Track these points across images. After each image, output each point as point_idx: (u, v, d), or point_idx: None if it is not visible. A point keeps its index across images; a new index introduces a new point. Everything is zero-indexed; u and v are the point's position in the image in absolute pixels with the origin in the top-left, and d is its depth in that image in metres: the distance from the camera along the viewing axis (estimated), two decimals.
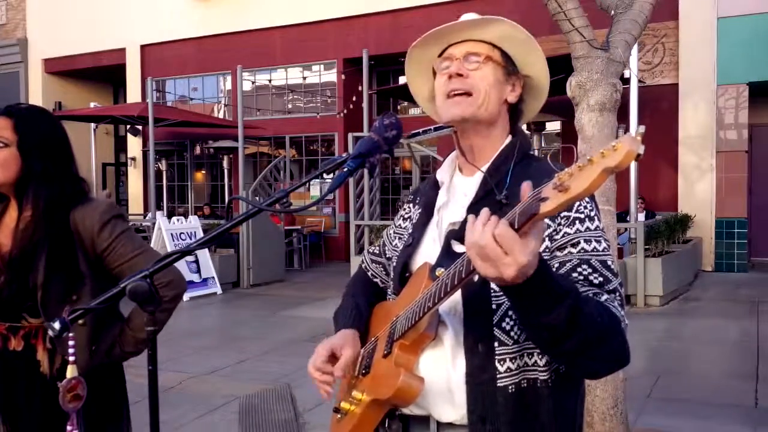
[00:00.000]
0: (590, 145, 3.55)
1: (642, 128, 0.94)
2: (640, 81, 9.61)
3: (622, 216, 8.68)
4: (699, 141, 11.07)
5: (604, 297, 1.22)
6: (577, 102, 3.58)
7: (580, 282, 1.23)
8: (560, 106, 10.43)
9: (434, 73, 1.47)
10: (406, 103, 14.20)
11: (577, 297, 1.11)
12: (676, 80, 11.25)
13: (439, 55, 1.45)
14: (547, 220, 1.25)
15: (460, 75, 1.37)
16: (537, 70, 1.44)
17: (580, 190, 0.91)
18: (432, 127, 1.58)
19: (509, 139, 1.43)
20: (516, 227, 0.99)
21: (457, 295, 1.29)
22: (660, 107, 11.34)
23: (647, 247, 8.56)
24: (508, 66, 1.42)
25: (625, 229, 9.24)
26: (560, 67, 8.00)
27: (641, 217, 9.78)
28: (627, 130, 9.19)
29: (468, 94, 1.37)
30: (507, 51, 1.42)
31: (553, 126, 12.45)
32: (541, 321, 1.09)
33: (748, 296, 8.70)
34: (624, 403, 3.63)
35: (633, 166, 8.88)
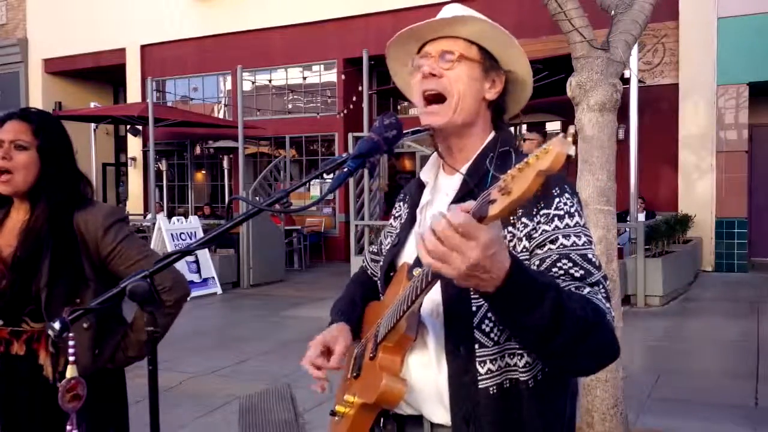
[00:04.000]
0: (590, 145, 3.55)
1: (572, 128, 0.96)
2: (640, 81, 9.61)
3: (622, 216, 8.67)
4: (699, 141, 11.07)
5: (587, 290, 1.20)
6: (577, 102, 3.58)
7: (561, 277, 1.22)
8: (560, 106, 10.45)
9: None
10: (406, 103, 14.19)
11: (559, 291, 1.10)
12: (676, 80, 11.25)
13: (418, 52, 1.43)
14: (525, 219, 1.27)
15: (433, 75, 1.35)
16: (518, 66, 1.41)
17: (519, 193, 0.91)
18: (410, 130, 1.54)
19: (491, 135, 1.42)
20: None
21: (438, 298, 1.30)
22: (660, 107, 11.34)
23: (647, 247, 8.56)
24: (486, 62, 1.38)
25: (625, 229, 9.24)
26: (560, 67, 8.00)
27: (641, 217, 9.78)
28: (627, 130, 9.20)
29: (441, 96, 1.35)
30: (485, 47, 1.38)
31: (553, 126, 12.46)
32: (526, 323, 1.08)
33: (748, 296, 8.70)
34: (624, 403, 3.63)
35: (633, 166, 8.90)
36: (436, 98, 1.36)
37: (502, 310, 1.09)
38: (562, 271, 1.23)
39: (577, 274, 1.23)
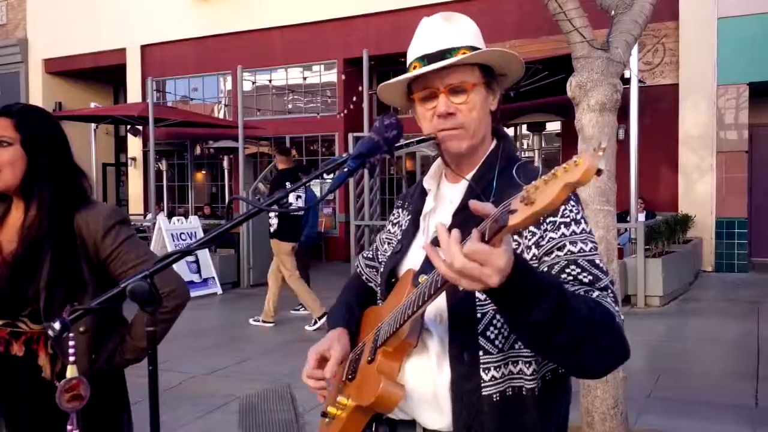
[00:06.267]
0: (590, 145, 3.54)
1: (603, 143, 0.95)
2: (640, 81, 9.61)
3: (622, 216, 8.68)
4: (699, 141, 11.07)
5: (596, 294, 1.22)
6: (577, 102, 3.58)
7: (570, 282, 1.23)
8: (560, 106, 10.45)
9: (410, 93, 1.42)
10: None
11: (562, 291, 1.10)
12: (676, 80, 11.25)
13: (410, 84, 1.40)
14: (532, 228, 1.26)
15: (450, 113, 1.34)
16: (512, 69, 1.42)
17: (544, 204, 0.91)
18: (415, 140, 1.51)
19: (494, 143, 1.43)
20: (486, 239, 0.99)
21: (443, 304, 1.30)
22: (660, 107, 11.34)
23: (647, 247, 8.56)
24: (487, 78, 1.38)
25: (626, 230, 9.24)
26: (560, 67, 8.00)
27: (641, 217, 9.78)
28: (627, 130, 9.20)
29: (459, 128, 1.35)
30: (487, 64, 1.38)
31: (553, 126, 12.45)
32: (527, 318, 1.08)
33: (748, 296, 8.70)
34: (624, 403, 3.63)
35: (633, 166, 8.91)
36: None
37: (503, 304, 1.09)
38: (570, 277, 1.24)
39: (586, 280, 1.24)
